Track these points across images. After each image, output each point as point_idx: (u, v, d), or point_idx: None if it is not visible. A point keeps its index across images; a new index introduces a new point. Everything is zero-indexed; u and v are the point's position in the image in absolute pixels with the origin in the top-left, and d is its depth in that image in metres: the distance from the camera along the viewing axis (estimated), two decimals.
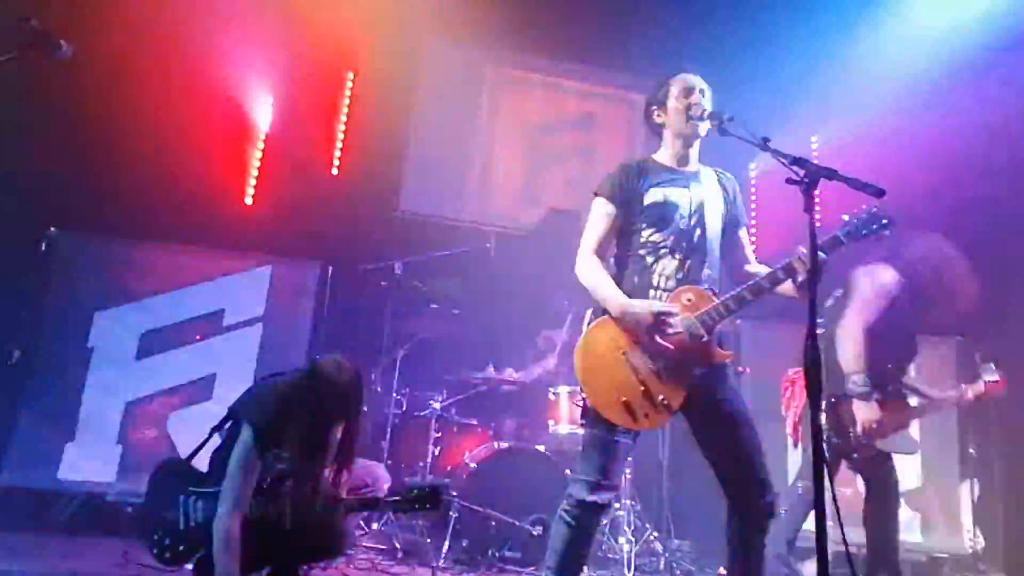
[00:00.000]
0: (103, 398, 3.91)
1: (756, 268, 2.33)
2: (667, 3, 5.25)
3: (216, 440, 2.54)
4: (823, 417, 2.88)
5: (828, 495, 1.55)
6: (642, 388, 2.08)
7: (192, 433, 3.89)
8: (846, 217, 2.08)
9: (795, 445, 3.11)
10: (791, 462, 4.32)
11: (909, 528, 4.18)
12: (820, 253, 1.89)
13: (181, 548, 2.40)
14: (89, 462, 3.83)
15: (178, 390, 4.02)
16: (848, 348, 2.80)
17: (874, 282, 2.88)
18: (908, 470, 4.09)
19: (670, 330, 2.06)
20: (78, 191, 4.19)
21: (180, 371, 4.04)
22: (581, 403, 2.17)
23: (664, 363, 2.08)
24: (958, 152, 4.59)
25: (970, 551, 4.34)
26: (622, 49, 5.44)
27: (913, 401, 3.08)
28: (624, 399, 2.07)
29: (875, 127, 4.88)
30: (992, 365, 3.06)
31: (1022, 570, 4.19)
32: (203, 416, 3.97)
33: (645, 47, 5.25)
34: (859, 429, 2.77)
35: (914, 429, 3.29)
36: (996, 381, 3.03)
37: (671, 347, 2.07)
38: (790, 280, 2.08)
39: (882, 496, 2.95)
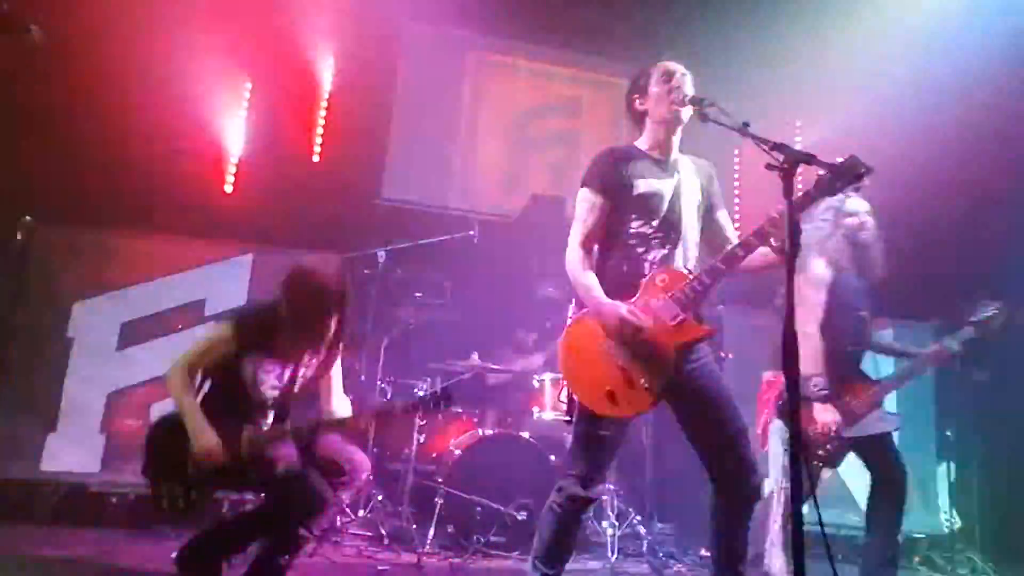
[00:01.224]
0: (84, 389, 3.87)
1: None
2: None
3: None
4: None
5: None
6: (623, 375, 2.08)
7: None
8: (821, 172, 1.94)
9: (762, 446, 3.10)
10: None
11: None
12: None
13: (194, 495, 2.42)
14: (71, 453, 3.80)
15: (160, 380, 3.98)
16: (806, 351, 2.69)
17: (810, 279, 2.87)
18: None
19: (638, 333, 2.05)
20: (55, 180, 4.12)
21: (162, 361, 3.96)
22: (566, 398, 2.18)
23: (644, 348, 2.08)
24: (943, 135, 4.63)
25: (947, 531, 4.44)
26: (608, 34, 5.42)
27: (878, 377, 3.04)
28: (608, 389, 2.07)
29: (859, 109, 4.91)
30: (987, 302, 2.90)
31: (998, 549, 4.29)
32: None
33: (631, 32, 5.23)
34: (818, 429, 2.75)
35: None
36: (989, 317, 2.88)
37: (639, 344, 2.07)
38: (767, 246, 2.03)
39: (882, 482, 2.89)
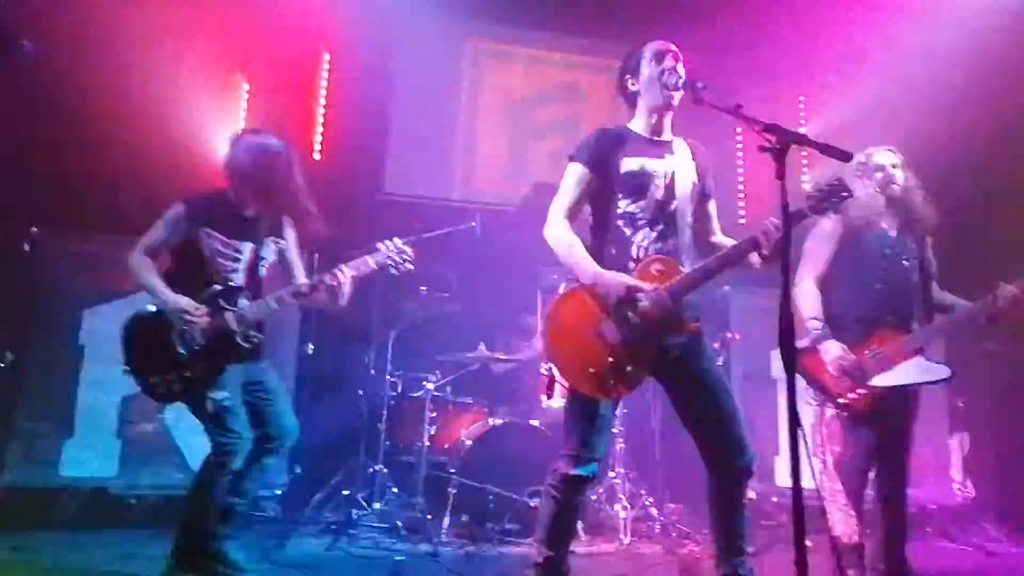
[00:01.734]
0: (99, 394, 3.92)
1: (721, 239, 2.35)
2: None
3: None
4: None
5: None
6: (610, 359, 2.08)
7: (188, 424, 3.94)
8: (810, 188, 2.09)
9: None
10: (781, 423, 4.40)
11: None
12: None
13: (188, 374, 2.56)
14: (89, 458, 3.86)
15: None
16: (799, 300, 2.81)
17: (813, 235, 2.91)
18: None
19: (640, 304, 2.07)
20: (58, 190, 4.16)
21: None
22: (547, 373, 2.20)
23: (632, 334, 2.09)
24: (953, 113, 4.55)
25: (960, 501, 4.43)
26: (606, 17, 5.36)
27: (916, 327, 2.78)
28: (592, 370, 2.08)
29: (866, 88, 4.85)
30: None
31: (1012, 518, 4.28)
32: None
33: (629, 14, 5.17)
34: (832, 369, 2.69)
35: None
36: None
37: (638, 319, 2.08)
38: (756, 253, 2.08)
39: (885, 451, 2.76)
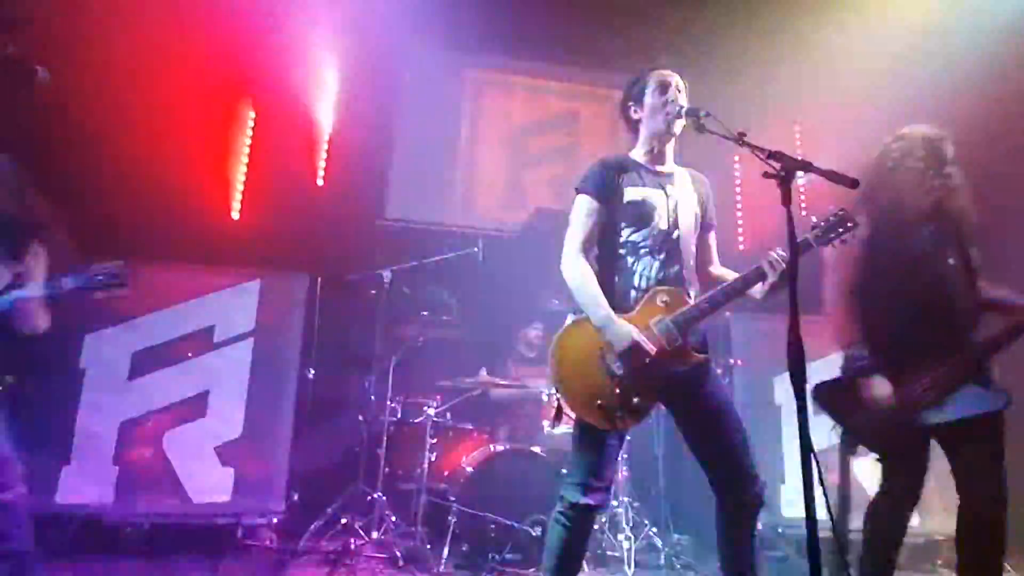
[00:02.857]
0: (97, 419, 3.88)
1: (719, 271, 2.36)
2: None
3: None
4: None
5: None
6: (617, 391, 2.08)
7: (189, 450, 3.92)
8: (815, 219, 2.08)
9: None
10: (786, 451, 4.36)
11: None
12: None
13: None
14: (86, 484, 3.80)
15: (172, 408, 4.00)
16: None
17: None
18: None
19: (645, 359, 2.07)
20: (58, 213, 4.17)
21: (173, 389, 4.01)
22: (556, 404, 2.19)
23: (640, 366, 2.09)
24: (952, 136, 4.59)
25: None
26: (604, 47, 5.47)
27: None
28: (599, 402, 2.07)
29: (858, 113, 4.91)
30: None
31: (1019, 549, 4.21)
32: (198, 433, 3.98)
33: (627, 44, 5.27)
34: (877, 407, 2.32)
35: None
36: None
37: (642, 365, 2.07)
38: (761, 283, 2.10)
39: (969, 491, 2.40)
